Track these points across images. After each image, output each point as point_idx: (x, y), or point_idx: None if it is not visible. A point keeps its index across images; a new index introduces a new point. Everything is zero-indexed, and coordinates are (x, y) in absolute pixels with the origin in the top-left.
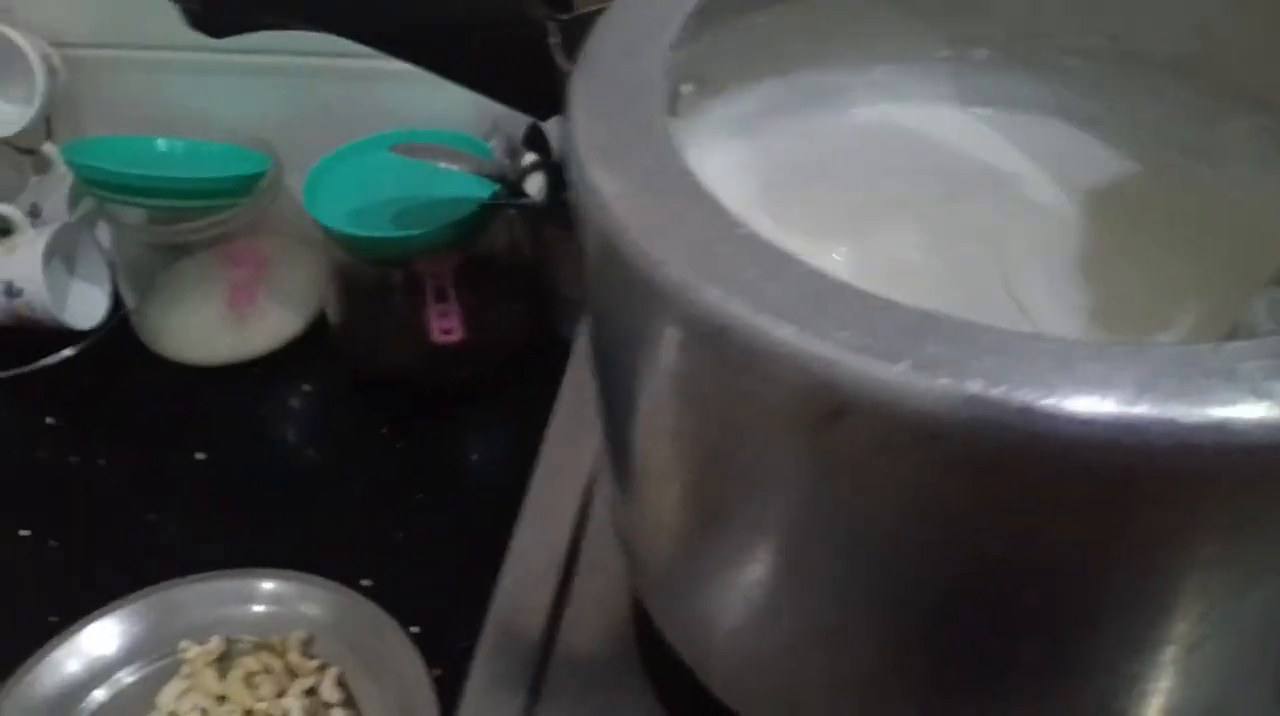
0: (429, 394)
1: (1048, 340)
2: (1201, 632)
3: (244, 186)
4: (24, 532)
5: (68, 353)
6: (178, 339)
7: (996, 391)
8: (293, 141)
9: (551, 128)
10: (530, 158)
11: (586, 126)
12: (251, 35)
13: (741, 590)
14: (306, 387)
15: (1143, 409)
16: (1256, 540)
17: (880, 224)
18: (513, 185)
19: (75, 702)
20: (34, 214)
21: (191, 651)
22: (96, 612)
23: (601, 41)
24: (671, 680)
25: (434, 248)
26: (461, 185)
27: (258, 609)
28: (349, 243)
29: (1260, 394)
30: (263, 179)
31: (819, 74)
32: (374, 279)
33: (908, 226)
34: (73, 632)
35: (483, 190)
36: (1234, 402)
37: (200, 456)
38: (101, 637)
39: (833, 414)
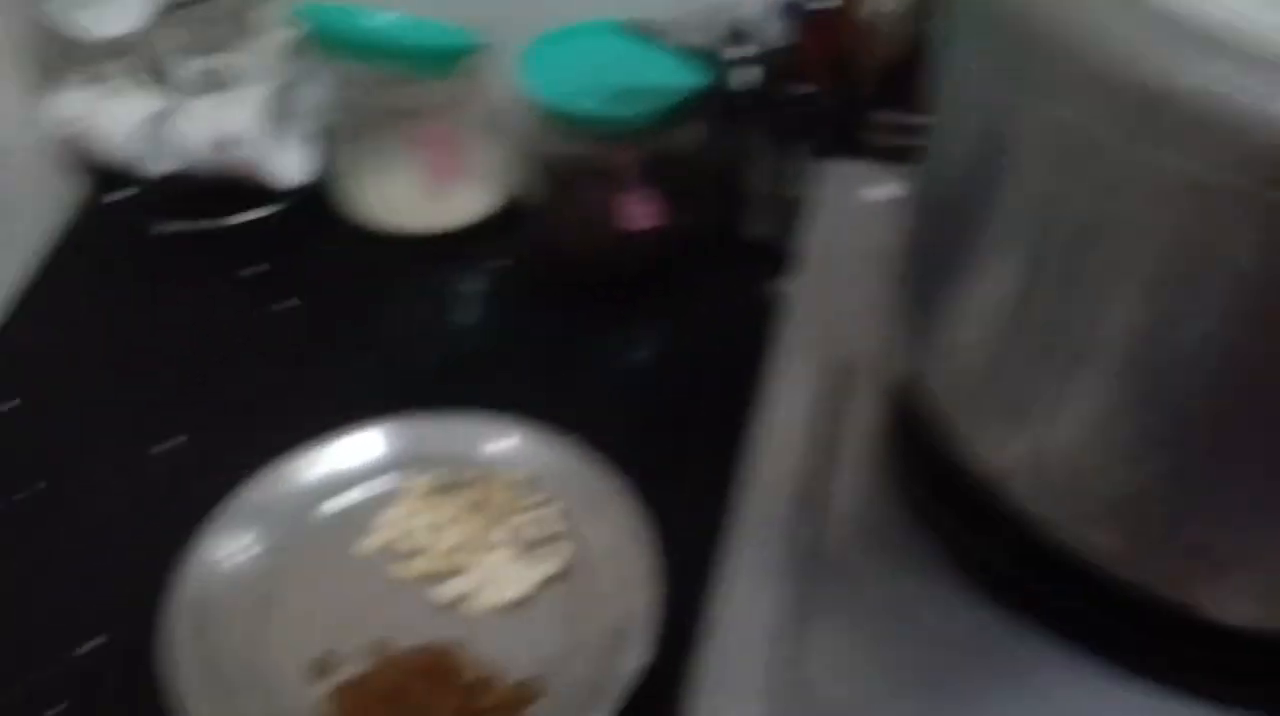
0: (616, 280)
1: None
2: None
3: (457, 59)
4: (228, 371)
5: (270, 209)
6: (374, 205)
7: None
8: (499, 26)
9: (763, 20)
10: (744, 48)
11: None
12: None
13: (1103, 387)
14: (497, 263)
15: None
16: None
17: None
18: (724, 75)
19: (300, 514)
20: (244, 74)
21: (416, 478)
22: (325, 435)
23: None
24: (956, 525)
25: (638, 133)
26: (671, 72)
27: (481, 445)
28: (559, 122)
29: None
30: (474, 53)
31: None
32: (572, 163)
33: None
34: (303, 451)
35: (689, 78)
36: None
37: (392, 317)
38: (328, 458)
39: None
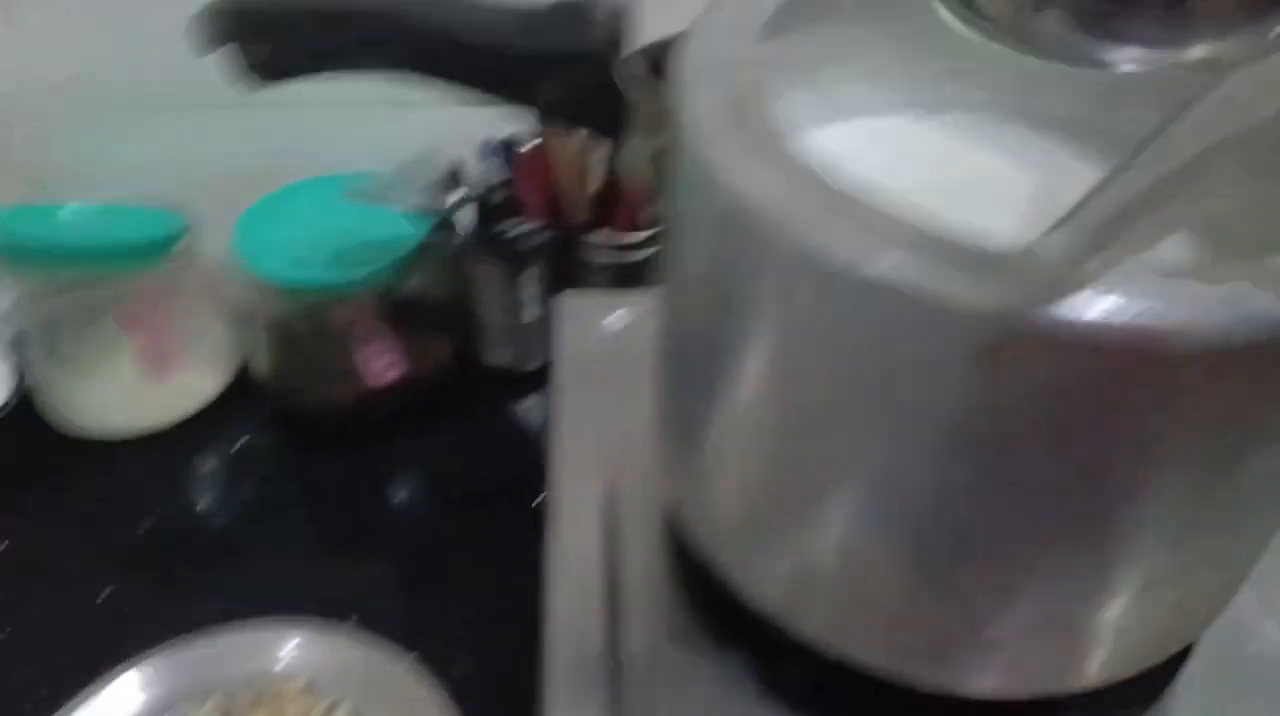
0: (364, 432)
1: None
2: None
3: (159, 249)
4: None
5: None
6: (93, 412)
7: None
8: (202, 193)
9: (471, 163)
10: (458, 192)
11: (701, 128)
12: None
13: (855, 524)
14: (240, 443)
15: None
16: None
17: None
18: (443, 221)
19: None
20: None
21: (193, 713)
22: (81, 694)
23: (695, 51)
24: (745, 645)
25: (366, 291)
26: (391, 225)
27: (251, 661)
28: (280, 293)
29: None
30: (177, 240)
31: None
32: (304, 324)
33: None
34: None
35: (411, 228)
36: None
37: (143, 528)
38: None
39: (997, 347)
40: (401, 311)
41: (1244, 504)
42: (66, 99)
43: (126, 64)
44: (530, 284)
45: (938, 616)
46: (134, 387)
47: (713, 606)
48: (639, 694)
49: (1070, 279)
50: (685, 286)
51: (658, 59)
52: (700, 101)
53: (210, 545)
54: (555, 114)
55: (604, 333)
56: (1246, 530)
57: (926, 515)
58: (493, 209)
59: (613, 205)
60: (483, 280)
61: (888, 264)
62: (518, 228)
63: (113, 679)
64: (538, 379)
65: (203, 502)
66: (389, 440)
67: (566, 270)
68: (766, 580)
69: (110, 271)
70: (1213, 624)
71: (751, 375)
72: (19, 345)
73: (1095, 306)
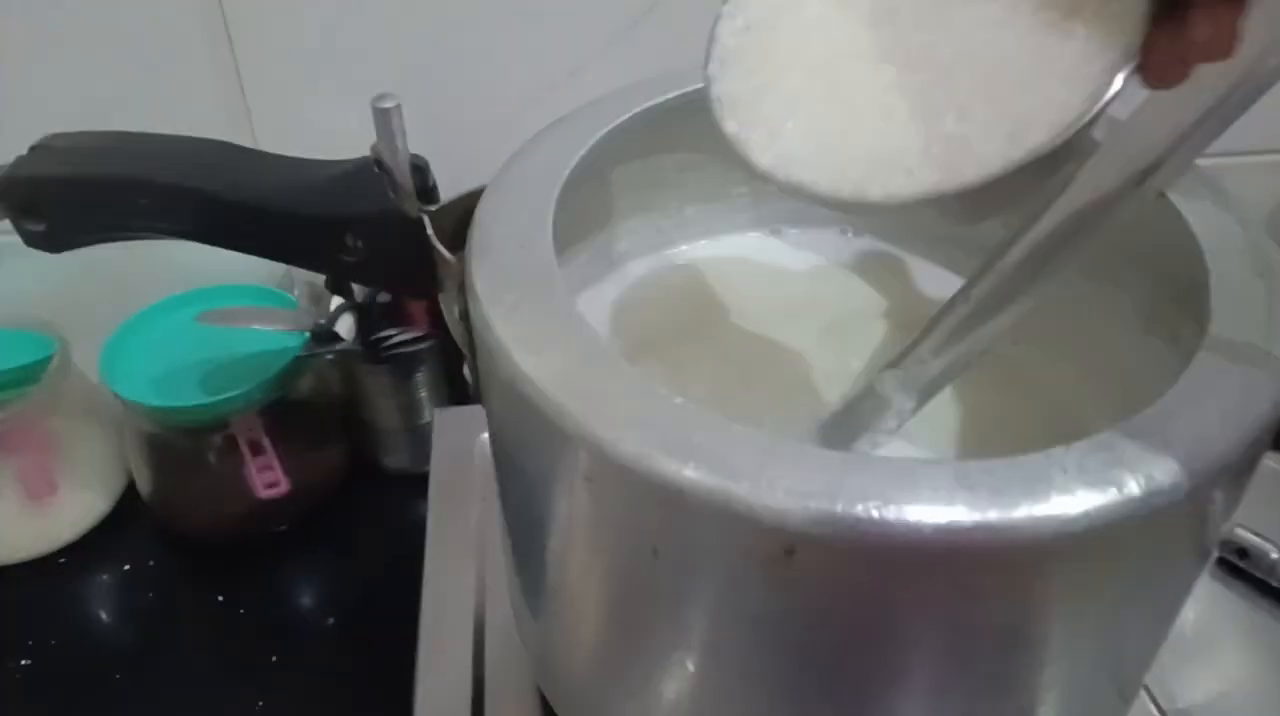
0: (256, 548)
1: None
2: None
3: (30, 374)
4: None
5: None
6: None
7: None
8: (76, 313)
9: None
10: (337, 301)
11: (492, 301)
12: None
13: (694, 700)
14: (126, 567)
15: None
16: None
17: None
18: (322, 332)
19: None
20: None
21: None
22: None
23: (489, 221)
24: None
25: (247, 406)
26: (269, 338)
27: None
28: (157, 414)
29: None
30: (50, 363)
31: (642, 223)
32: (185, 443)
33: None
34: None
35: (290, 340)
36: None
37: (25, 662)
38: None
39: (788, 550)
40: (288, 422)
41: (1080, 666)
42: None
43: None
44: (421, 387)
45: None
46: (15, 515)
47: None
48: None
49: (853, 482)
50: (500, 446)
51: (461, 214)
52: (490, 270)
53: (91, 682)
54: (362, 277)
55: (482, 447)
56: (1103, 681)
57: (756, 695)
58: (377, 314)
59: None
60: (371, 386)
61: (672, 468)
62: (402, 333)
63: None
64: None
65: (84, 635)
66: (286, 555)
67: (457, 373)
68: None
69: None
70: None
71: (561, 546)
72: None
73: (860, 508)
